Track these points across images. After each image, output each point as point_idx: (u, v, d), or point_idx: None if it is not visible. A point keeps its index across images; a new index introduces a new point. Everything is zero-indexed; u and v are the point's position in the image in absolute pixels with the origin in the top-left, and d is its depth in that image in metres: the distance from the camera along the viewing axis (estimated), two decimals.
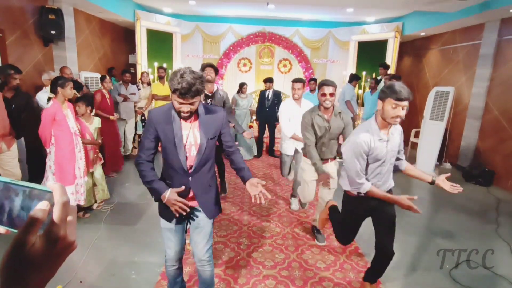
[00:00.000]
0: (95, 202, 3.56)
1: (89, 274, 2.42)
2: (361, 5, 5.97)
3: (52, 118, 2.82)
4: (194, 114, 1.69)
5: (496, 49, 5.03)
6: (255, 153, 5.96)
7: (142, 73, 5.91)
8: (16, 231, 0.40)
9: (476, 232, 3.38)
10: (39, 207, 0.40)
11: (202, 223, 1.84)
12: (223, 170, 3.99)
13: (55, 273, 0.43)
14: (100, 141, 3.61)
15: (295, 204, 3.74)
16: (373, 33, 7.35)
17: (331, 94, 2.58)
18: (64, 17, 4.75)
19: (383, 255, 2.10)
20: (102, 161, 3.71)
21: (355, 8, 6.20)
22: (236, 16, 7.71)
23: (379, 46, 7.23)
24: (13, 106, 3.26)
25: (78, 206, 3.27)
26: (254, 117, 6.40)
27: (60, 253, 0.41)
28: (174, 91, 1.54)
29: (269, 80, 5.72)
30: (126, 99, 5.04)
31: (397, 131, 2.06)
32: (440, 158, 5.72)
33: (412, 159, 5.90)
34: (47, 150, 2.95)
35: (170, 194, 1.68)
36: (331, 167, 2.83)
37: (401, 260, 2.77)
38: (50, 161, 2.96)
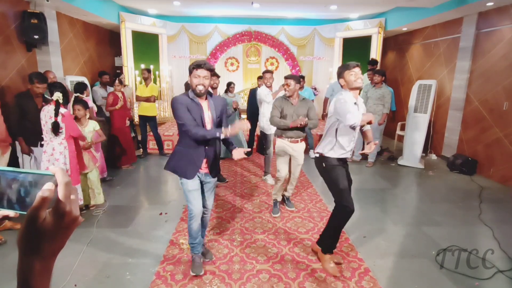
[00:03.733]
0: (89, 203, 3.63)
1: (83, 278, 2.43)
2: (344, 2, 6.07)
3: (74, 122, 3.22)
4: (206, 96, 2.32)
5: (474, 42, 5.21)
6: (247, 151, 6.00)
7: (119, 74, 5.92)
8: (25, 212, 0.47)
9: (460, 218, 3.51)
10: (46, 188, 0.46)
11: (211, 183, 2.51)
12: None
13: (65, 243, 0.50)
14: (90, 143, 3.64)
15: (270, 180, 4.52)
16: (357, 29, 7.48)
17: (288, 85, 3.30)
18: (47, 21, 4.68)
19: (345, 212, 2.41)
20: (99, 163, 3.78)
21: (339, 5, 6.30)
22: (222, 16, 7.73)
23: (364, 42, 7.36)
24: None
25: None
26: (243, 116, 6.44)
27: (68, 226, 0.48)
28: (193, 68, 2.19)
29: (262, 77, 5.77)
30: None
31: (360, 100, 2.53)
32: (425, 150, 5.89)
33: (398, 152, 6.05)
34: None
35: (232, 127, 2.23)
36: (301, 146, 3.38)
37: (389, 248, 2.88)
38: (47, 163, 3.09)
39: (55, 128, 3.03)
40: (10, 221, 3.01)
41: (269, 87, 4.40)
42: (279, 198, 3.60)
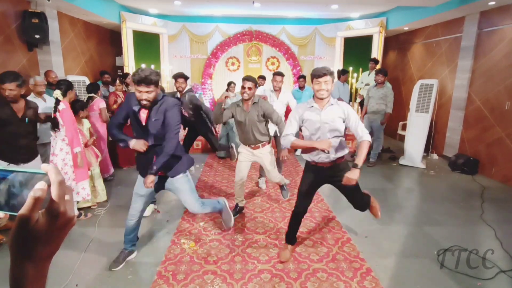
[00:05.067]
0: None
1: (85, 277, 2.42)
2: (346, 2, 6.06)
3: (73, 118, 3.15)
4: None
5: (476, 41, 5.19)
6: None
7: (126, 74, 5.96)
8: (16, 213, 0.43)
9: (462, 218, 3.50)
10: (38, 187, 0.43)
11: (176, 184, 2.47)
12: (210, 139, 4.33)
13: (59, 246, 0.47)
14: (93, 139, 3.77)
15: (262, 183, 4.34)
16: (358, 28, 7.47)
17: (249, 88, 3.02)
18: (48, 21, 4.68)
19: (360, 210, 2.72)
20: (100, 157, 3.84)
21: (340, 4, 6.28)
22: (223, 16, 7.72)
23: (365, 42, 7.35)
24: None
25: (79, 212, 3.45)
26: None
27: (62, 228, 0.46)
28: (134, 83, 2.12)
29: (262, 77, 5.79)
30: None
31: (338, 109, 2.37)
32: (427, 149, 5.88)
33: (400, 151, 6.04)
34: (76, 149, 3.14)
35: (135, 142, 2.29)
36: (263, 151, 3.24)
37: (390, 248, 2.87)
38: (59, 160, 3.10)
39: (53, 125, 3.05)
40: (10, 220, 3.00)
41: (277, 91, 4.10)
42: (241, 204, 3.48)
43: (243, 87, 3.05)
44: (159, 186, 2.51)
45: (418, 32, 6.81)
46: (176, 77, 3.94)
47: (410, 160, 5.48)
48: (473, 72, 5.29)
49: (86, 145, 3.56)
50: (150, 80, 2.09)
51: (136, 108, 2.27)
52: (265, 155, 3.25)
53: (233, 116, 3.17)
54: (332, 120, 2.35)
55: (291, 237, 2.71)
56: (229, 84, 5.82)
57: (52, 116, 3.05)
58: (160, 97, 2.27)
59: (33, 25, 4.48)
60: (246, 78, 3.07)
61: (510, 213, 3.66)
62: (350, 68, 7.36)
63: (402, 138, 6.26)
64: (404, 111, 6.90)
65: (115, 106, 4.88)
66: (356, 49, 7.58)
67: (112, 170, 4.61)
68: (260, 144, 3.21)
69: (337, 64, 7.82)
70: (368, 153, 5.62)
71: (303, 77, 5.82)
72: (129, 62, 6.92)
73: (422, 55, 6.71)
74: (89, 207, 3.59)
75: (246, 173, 3.36)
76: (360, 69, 7.30)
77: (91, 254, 2.74)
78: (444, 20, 5.89)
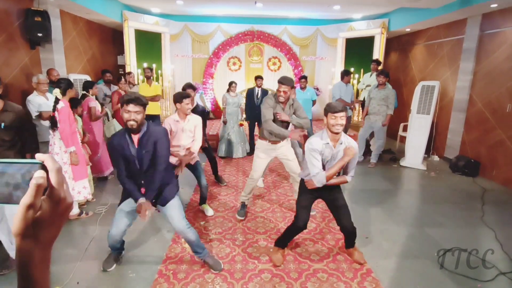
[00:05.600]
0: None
1: (86, 275, 2.43)
2: (348, 3, 6.06)
3: (72, 117, 3.11)
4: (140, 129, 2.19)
5: (478, 43, 5.19)
6: (248, 151, 6.01)
7: (128, 73, 5.92)
8: (16, 205, 0.45)
9: (463, 220, 3.50)
10: (38, 175, 0.45)
11: (167, 206, 2.39)
12: (215, 164, 4.35)
13: (60, 231, 0.50)
14: (88, 137, 3.82)
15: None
16: (360, 29, 7.47)
17: (285, 92, 3.03)
18: (51, 19, 4.69)
19: (346, 232, 2.62)
20: (90, 153, 3.88)
21: (342, 5, 6.29)
22: (225, 15, 7.73)
23: (366, 43, 7.35)
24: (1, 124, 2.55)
25: (80, 210, 3.47)
26: (244, 115, 6.44)
27: (63, 213, 0.48)
28: (123, 103, 2.10)
29: (260, 77, 5.78)
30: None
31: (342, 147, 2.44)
32: (428, 151, 5.87)
33: (401, 153, 6.04)
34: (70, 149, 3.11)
35: (144, 204, 2.24)
36: (283, 143, 3.25)
37: (391, 249, 2.87)
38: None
39: (52, 123, 3.07)
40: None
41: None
42: (247, 202, 3.49)
43: (278, 90, 3.06)
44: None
45: (420, 33, 6.81)
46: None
47: (411, 161, 5.48)
48: (475, 74, 5.29)
49: (83, 142, 3.61)
50: (140, 100, 2.11)
51: (127, 151, 2.21)
52: (285, 145, 3.27)
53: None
54: (340, 155, 2.45)
55: (284, 243, 2.74)
56: (230, 84, 5.82)
57: (51, 115, 3.06)
58: (145, 126, 2.23)
59: (36, 23, 4.49)
60: (281, 82, 3.03)
61: (511, 216, 3.66)
62: (352, 69, 7.37)
63: (403, 139, 6.26)
64: (405, 113, 6.90)
65: (119, 105, 4.85)
66: (358, 50, 7.58)
67: (108, 170, 4.51)
68: (281, 139, 3.25)
69: (338, 65, 7.82)
70: (370, 154, 5.63)
71: (305, 77, 5.81)
72: (131, 61, 6.94)
73: (424, 57, 6.70)
74: (87, 201, 3.69)
75: (264, 170, 3.40)
76: (362, 70, 7.30)
77: (93, 252, 2.74)
78: (446, 21, 5.88)
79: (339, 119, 2.32)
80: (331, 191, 2.56)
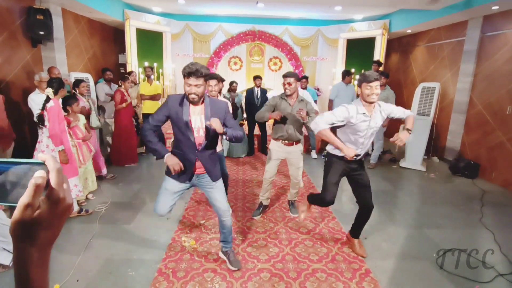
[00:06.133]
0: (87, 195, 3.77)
1: (86, 273, 2.44)
2: (349, 3, 6.07)
3: (61, 116, 3.10)
4: (202, 101, 2.19)
5: (479, 45, 5.20)
6: (248, 151, 6.02)
7: (130, 72, 5.91)
8: (14, 204, 0.45)
9: (462, 221, 3.51)
10: (38, 175, 0.44)
11: (213, 184, 2.36)
12: (227, 182, 4.04)
13: (59, 232, 0.49)
14: (90, 134, 3.82)
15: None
16: (361, 30, 7.48)
17: (289, 84, 3.08)
18: (53, 18, 4.70)
19: (366, 209, 2.68)
20: (93, 151, 3.89)
21: (343, 6, 6.30)
22: (226, 15, 7.74)
23: (367, 44, 7.36)
24: None
25: (80, 207, 3.49)
26: (245, 115, 6.45)
27: (62, 214, 0.48)
28: (184, 75, 2.06)
29: (259, 77, 5.80)
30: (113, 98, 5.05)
31: (380, 115, 2.50)
32: (427, 152, 5.88)
33: (400, 154, 6.04)
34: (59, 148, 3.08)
35: (168, 157, 2.19)
36: (296, 149, 3.24)
37: (390, 249, 2.88)
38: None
39: (39, 121, 3.09)
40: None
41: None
42: (265, 202, 3.52)
43: (284, 84, 3.12)
44: (194, 183, 2.41)
45: (421, 35, 6.81)
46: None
47: (410, 162, 5.49)
48: (475, 76, 5.30)
49: (83, 140, 3.63)
50: (200, 73, 2.04)
51: (186, 117, 2.16)
52: (297, 152, 3.27)
53: (273, 110, 3.17)
54: (377, 125, 2.50)
55: (313, 201, 2.85)
56: (231, 83, 5.83)
57: (40, 113, 3.09)
58: (207, 98, 2.23)
59: (38, 21, 4.50)
60: (286, 75, 3.13)
61: (510, 218, 3.66)
62: (353, 70, 7.38)
63: None
64: None
65: (124, 105, 4.79)
66: (359, 51, 7.59)
67: (105, 169, 4.48)
68: (294, 142, 3.23)
69: (339, 66, 7.83)
70: (369, 155, 5.64)
71: (306, 77, 5.82)
72: (132, 60, 6.94)
73: (425, 58, 6.71)
74: (86, 198, 3.73)
75: (276, 171, 3.40)
76: (362, 71, 7.30)
77: (93, 250, 2.75)
78: (447, 23, 5.89)
79: (374, 88, 2.31)
80: (360, 166, 2.62)
